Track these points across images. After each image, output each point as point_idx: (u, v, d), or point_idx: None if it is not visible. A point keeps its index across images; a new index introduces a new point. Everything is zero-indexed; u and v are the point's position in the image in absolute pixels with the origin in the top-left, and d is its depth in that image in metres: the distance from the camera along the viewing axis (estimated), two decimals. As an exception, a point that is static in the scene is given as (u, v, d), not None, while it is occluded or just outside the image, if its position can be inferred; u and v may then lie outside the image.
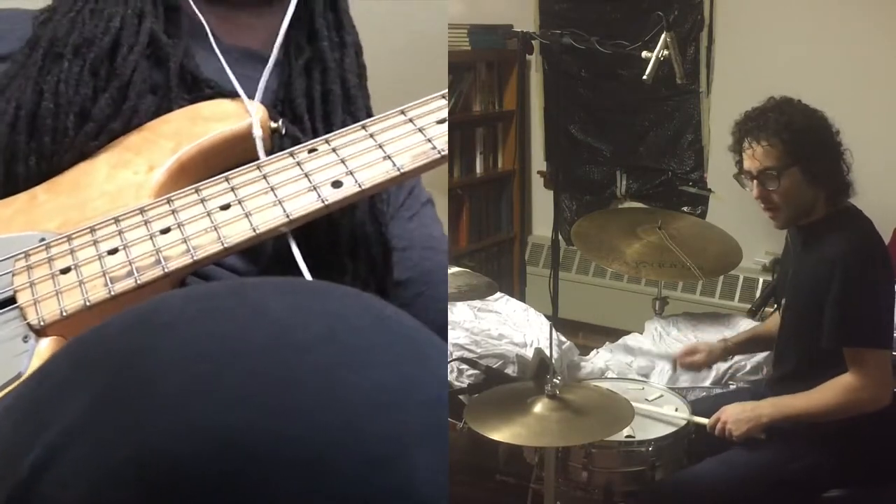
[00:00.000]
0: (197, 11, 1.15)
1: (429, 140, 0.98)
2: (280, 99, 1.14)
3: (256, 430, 0.49)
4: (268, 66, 1.12)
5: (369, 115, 1.14)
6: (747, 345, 2.24)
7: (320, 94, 1.13)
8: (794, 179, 1.84)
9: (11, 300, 0.88)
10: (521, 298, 3.04)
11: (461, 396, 2.15)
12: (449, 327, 2.14)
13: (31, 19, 1.13)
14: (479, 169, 4.00)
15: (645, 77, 2.10)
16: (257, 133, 1.04)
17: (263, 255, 1.02)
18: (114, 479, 0.49)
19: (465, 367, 2.26)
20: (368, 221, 1.10)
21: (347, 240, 1.06)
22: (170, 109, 1.06)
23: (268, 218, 0.93)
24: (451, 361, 2.25)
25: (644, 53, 2.11)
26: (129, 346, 0.55)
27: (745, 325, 2.53)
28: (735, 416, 1.82)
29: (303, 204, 0.94)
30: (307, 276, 0.98)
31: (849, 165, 1.89)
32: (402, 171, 0.97)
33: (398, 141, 0.99)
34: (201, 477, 0.48)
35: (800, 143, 1.83)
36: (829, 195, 1.87)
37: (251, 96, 1.08)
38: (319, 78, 1.15)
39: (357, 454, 0.49)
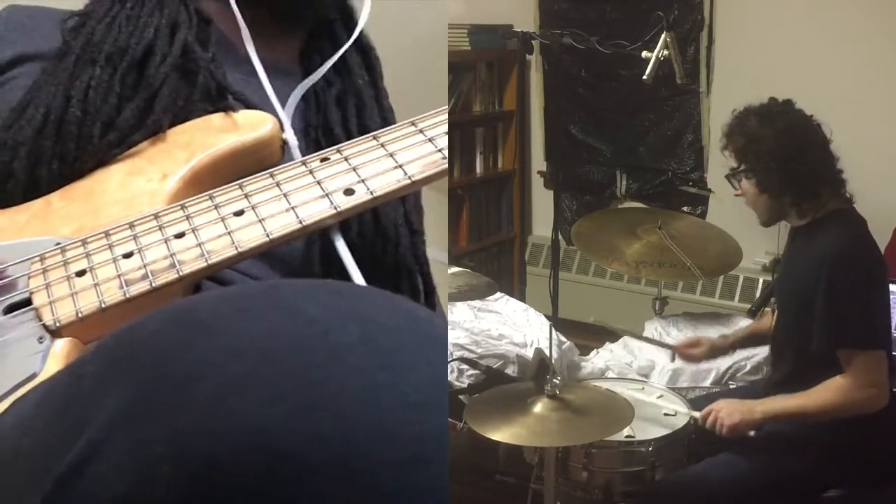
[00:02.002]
0: (241, 22, 1.16)
1: (439, 150, 1.00)
2: (314, 126, 1.16)
3: (293, 430, 0.49)
4: (305, 82, 1.15)
5: None
6: (747, 340, 2.24)
7: (357, 127, 1.16)
8: (750, 185, 1.89)
9: (27, 302, 0.89)
10: (521, 298, 3.06)
11: (461, 396, 2.16)
12: (449, 327, 2.14)
13: (59, 21, 1.13)
14: (479, 169, 4.01)
15: (645, 77, 2.10)
16: (293, 141, 1.07)
17: (308, 264, 1.04)
18: (151, 476, 0.50)
19: (465, 367, 2.28)
20: (414, 266, 1.14)
21: (390, 267, 1.11)
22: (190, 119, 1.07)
23: (281, 224, 0.94)
24: (451, 361, 2.26)
25: (644, 53, 2.11)
26: (164, 345, 0.55)
27: (744, 325, 2.54)
28: (728, 408, 1.82)
29: (315, 211, 0.96)
30: (359, 279, 0.99)
31: (816, 172, 1.87)
32: (412, 179, 0.99)
33: (408, 150, 1.01)
34: (237, 475, 0.48)
35: (748, 152, 1.87)
36: (794, 201, 1.88)
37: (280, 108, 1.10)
38: (355, 112, 1.18)
39: (394, 455, 0.49)
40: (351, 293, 0.61)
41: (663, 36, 2.10)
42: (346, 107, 1.18)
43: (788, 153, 1.85)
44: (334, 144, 1.12)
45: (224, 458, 0.49)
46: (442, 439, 0.51)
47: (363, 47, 1.27)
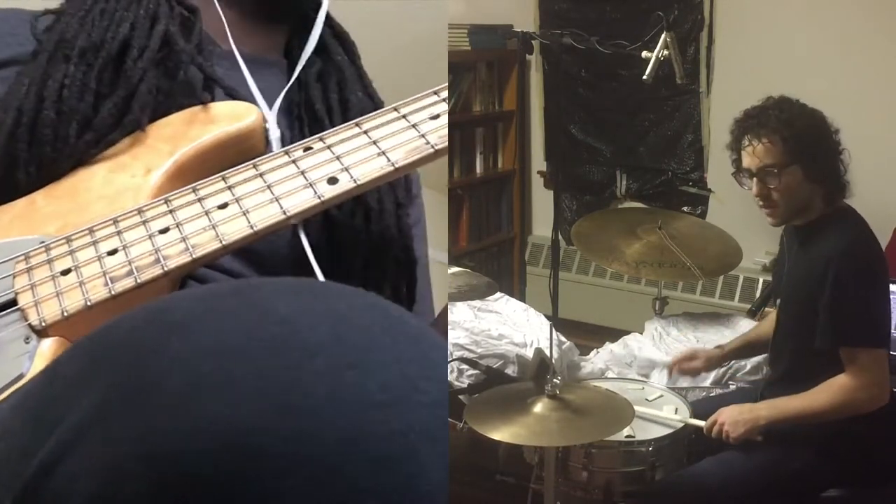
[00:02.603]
0: (223, 16, 1.16)
1: (422, 135, 0.99)
2: (296, 102, 1.15)
3: (264, 429, 0.49)
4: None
5: None
6: (741, 351, 2.23)
7: (338, 101, 1.16)
8: (795, 177, 1.85)
9: (13, 302, 0.89)
10: (521, 298, 3.05)
11: (461, 396, 2.15)
12: (449, 327, 2.13)
13: (31, 21, 1.09)
14: (479, 169, 4.00)
15: (645, 77, 2.10)
16: (275, 135, 1.06)
17: (277, 259, 1.03)
18: (122, 476, 0.49)
19: (465, 367, 2.27)
20: (397, 236, 1.13)
21: (375, 255, 1.09)
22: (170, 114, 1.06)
23: (265, 215, 0.94)
24: (451, 361, 2.25)
25: (644, 53, 2.11)
26: (137, 345, 0.55)
27: (744, 325, 2.54)
28: (732, 418, 1.82)
29: (299, 201, 0.95)
30: (320, 276, 0.98)
31: (846, 165, 1.89)
32: (396, 166, 0.98)
33: (392, 137, 1.00)
34: (209, 474, 0.48)
35: (801, 142, 1.84)
36: (827, 193, 1.87)
37: (263, 100, 1.09)
38: (336, 87, 1.17)
39: (364, 453, 0.49)
40: (323, 292, 0.60)
41: (663, 36, 2.09)
42: (326, 82, 1.18)
43: (831, 141, 1.89)
44: (316, 119, 1.12)
45: (194, 457, 0.48)
46: (411, 437, 0.51)
47: (338, 33, 1.26)
